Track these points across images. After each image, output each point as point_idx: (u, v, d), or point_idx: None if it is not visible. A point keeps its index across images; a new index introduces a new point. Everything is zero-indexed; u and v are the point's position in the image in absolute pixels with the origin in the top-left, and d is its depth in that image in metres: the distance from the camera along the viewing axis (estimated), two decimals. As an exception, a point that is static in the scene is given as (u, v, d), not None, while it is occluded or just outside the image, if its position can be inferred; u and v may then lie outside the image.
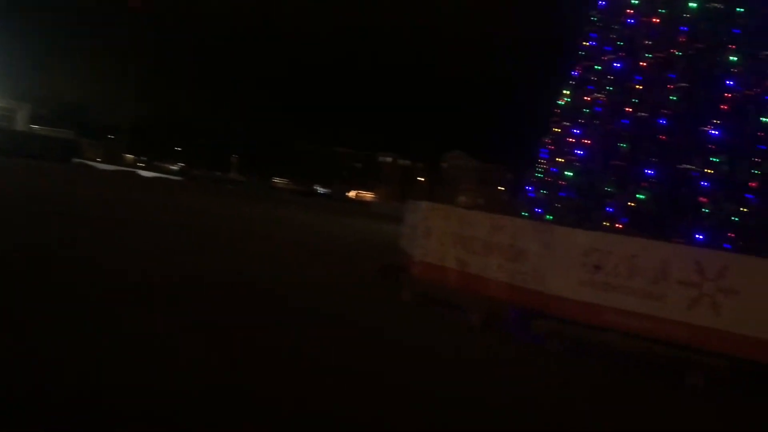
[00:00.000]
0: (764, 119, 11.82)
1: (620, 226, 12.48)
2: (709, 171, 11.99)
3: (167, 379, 6.14)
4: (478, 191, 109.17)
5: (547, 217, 14.02)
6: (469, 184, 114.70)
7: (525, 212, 15.05)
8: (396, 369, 7.87)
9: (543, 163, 15.60)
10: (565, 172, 14.29)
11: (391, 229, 23.72)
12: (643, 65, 13.57)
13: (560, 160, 14.72)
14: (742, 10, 12.56)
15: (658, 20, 13.64)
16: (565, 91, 15.80)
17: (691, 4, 13.14)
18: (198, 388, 6.01)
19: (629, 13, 14.23)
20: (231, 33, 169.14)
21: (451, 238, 12.11)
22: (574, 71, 15.73)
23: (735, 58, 12.36)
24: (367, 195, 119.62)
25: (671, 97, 12.79)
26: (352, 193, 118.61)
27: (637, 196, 12.52)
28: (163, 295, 9.83)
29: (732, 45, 12.45)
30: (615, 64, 14.25)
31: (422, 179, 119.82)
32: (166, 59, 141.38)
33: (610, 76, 14.31)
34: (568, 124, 14.97)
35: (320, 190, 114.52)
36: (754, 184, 11.62)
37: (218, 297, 10.40)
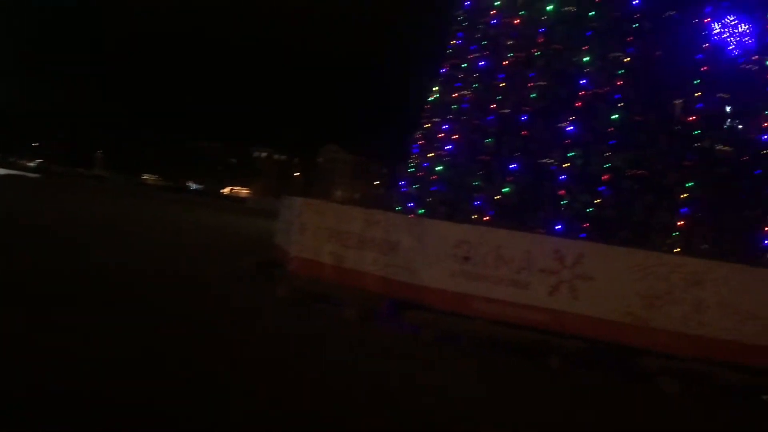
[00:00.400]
0: (614, 116, 12.73)
1: (488, 218, 13.06)
2: (566, 165, 12.78)
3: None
4: (353, 185, 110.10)
5: (420, 211, 14.43)
6: (345, 178, 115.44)
7: (399, 206, 15.41)
8: (270, 361, 7.88)
9: (415, 158, 16.03)
10: (436, 167, 14.76)
11: (267, 224, 23.50)
12: (505, 64, 14.23)
13: (431, 155, 15.18)
14: (593, 13, 13.44)
15: (518, 21, 14.35)
16: (434, 88, 16.30)
17: (548, 7, 13.92)
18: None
19: (492, 13, 14.88)
20: (89, 22, 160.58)
21: (326, 233, 12.21)
22: (443, 68, 16.25)
23: (587, 59, 13.22)
24: (243, 190, 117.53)
25: (531, 95, 13.50)
26: (226, 189, 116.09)
27: (503, 189, 13.13)
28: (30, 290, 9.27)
29: (585, 46, 13.31)
30: (480, 63, 14.86)
31: (298, 174, 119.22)
32: (20, 48, 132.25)
33: (476, 73, 14.90)
34: (437, 119, 15.47)
35: (192, 186, 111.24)
36: (606, 177, 12.51)
37: (74, 293, 9.93)
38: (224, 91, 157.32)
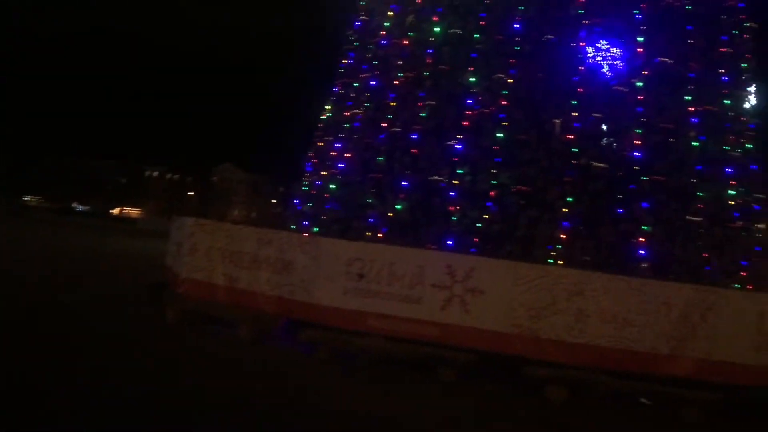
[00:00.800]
0: (499, 135, 13.19)
1: (381, 235, 13.21)
2: (455, 182, 13.12)
3: None
4: (250, 204, 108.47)
5: (314, 229, 14.41)
6: (241, 197, 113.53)
7: (293, 225, 15.34)
8: (160, 386, 7.66)
9: (309, 177, 16.02)
10: (329, 185, 14.80)
11: (159, 246, 22.77)
12: (396, 83, 14.50)
13: (324, 173, 15.23)
14: (478, 36, 13.93)
15: (407, 42, 14.67)
16: (327, 107, 16.39)
17: (435, 29, 14.31)
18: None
19: (382, 34, 15.14)
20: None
21: (218, 253, 11.99)
22: (335, 87, 16.39)
23: (473, 80, 13.66)
24: (133, 211, 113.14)
25: (421, 114, 13.80)
26: (116, 210, 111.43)
27: (395, 206, 13.32)
28: None
29: (470, 68, 13.74)
30: (371, 82, 15.07)
31: (192, 193, 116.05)
32: None
33: (367, 93, 15.10)
34: (330, 138, 15.54)
35: (79, 207, 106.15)
36: (493, 194, 12.93)
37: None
38: (114, 106, 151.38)
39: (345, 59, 16.29)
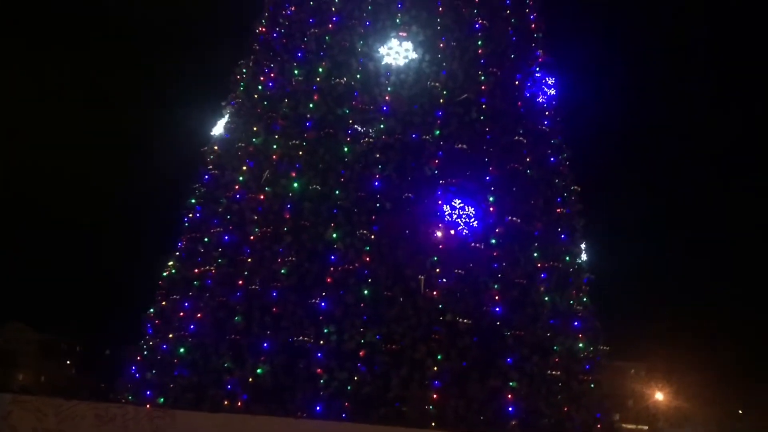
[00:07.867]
0: (365, 291, 12.75)
1: (241, 403, 11.97)
2: (321, 342, 12.37)
3: None
4: (39, 367, 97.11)
5: (160, 400, 12.78)
6: (29, 359, 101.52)
7: (130, 395, 13.55)
8: None
9: (150, 339, 14.41)
10: (178, 349, 13.34)
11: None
12: (252, 239, 13.78)
13: (171, 335, 13.77)
14: (338, 192, 13.71)
15: (264, 197, 14.14)
16: (169, 263, 15.21)
17: (293, 184, 13.93)
18: None
19: (236, 188, 14.51)
20: None
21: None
22: (180, 242, 15.34)
23: (335, 235, 13.26)
24: None
25: (281, 270, 13.11)
26: None
27: (257, 371, 12.25)
28: None
29: (332, 223, 13.38)
30: (224, 237, 14.22)
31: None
32: None
33: (219, 248, 14.19)
34: (176, 297, 14.24)
35: None
36: (362, 353, 12.27)
37: None
38: None
39: (191, 212, 15.39)
